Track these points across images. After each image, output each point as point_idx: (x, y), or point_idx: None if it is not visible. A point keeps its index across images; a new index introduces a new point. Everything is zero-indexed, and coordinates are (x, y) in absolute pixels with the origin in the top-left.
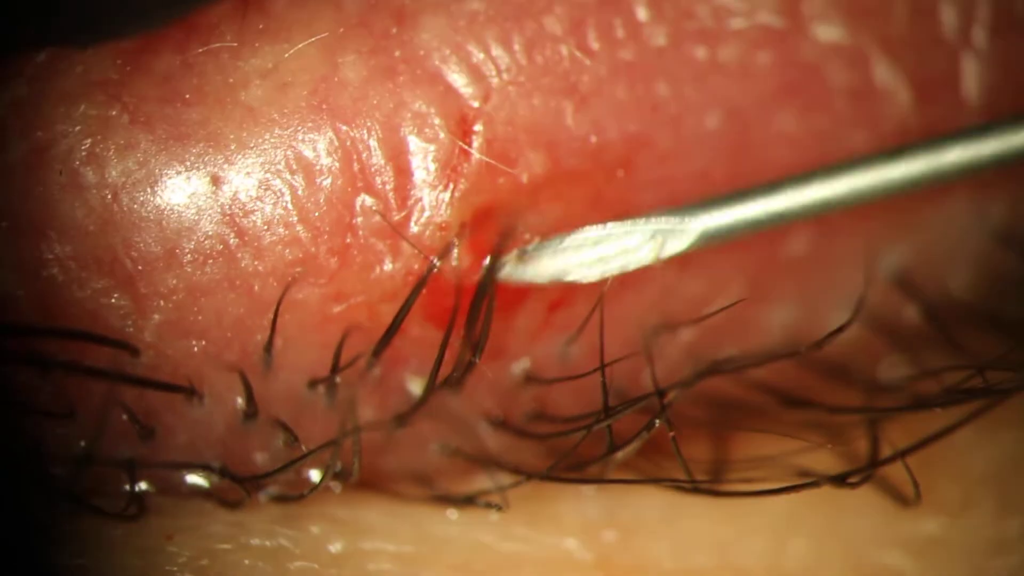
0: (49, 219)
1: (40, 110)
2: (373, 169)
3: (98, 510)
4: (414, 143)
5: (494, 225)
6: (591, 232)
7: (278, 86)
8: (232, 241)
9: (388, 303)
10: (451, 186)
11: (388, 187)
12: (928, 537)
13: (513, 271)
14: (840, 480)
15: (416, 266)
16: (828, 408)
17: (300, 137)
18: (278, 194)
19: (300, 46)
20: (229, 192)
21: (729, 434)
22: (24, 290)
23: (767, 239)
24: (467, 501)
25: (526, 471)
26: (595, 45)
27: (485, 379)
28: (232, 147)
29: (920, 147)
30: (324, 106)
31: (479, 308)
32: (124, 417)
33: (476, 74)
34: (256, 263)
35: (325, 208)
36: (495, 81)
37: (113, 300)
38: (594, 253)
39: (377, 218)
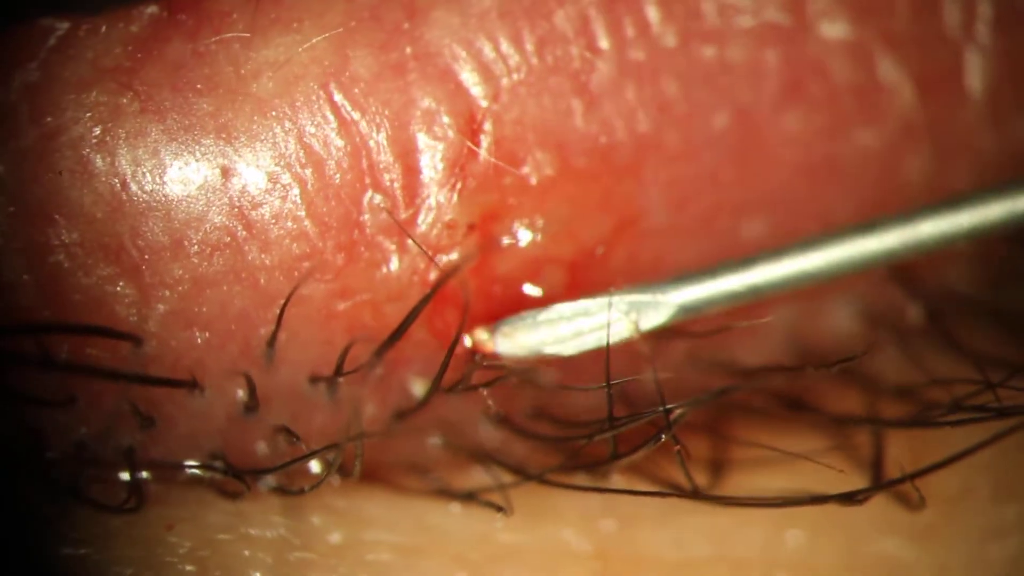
0: (57, 205)
1: (51, 96)
2: (382, 166)
3: (97, 501)
4: (423, 141)
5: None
6: (566, 308)
7: (289, 79)
8: (240, 233)
9: (393, 303)
10: (459, 185)
11: (396, 185)
12: (926, 525)
13: (489, 344)
14: (847, 498)
15: (422, 266)
16: (833, 417)
17: (310, 131)
18: (287, 188)
19: (314, 41)
20: (238, 184)
21: (729, 434)
22: (30, 275)
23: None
24: (468, 497)
25: (526, 471)
26: (604, 44)
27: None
28: (242, 139)
29: (894, 220)
30: (334, 100)
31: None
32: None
33: (486, 72)
34: (263, 256)
35: (333, 203)
36: (505, 80)
37: (118, 288)
38: (570, 328)
39: (384, 215)
